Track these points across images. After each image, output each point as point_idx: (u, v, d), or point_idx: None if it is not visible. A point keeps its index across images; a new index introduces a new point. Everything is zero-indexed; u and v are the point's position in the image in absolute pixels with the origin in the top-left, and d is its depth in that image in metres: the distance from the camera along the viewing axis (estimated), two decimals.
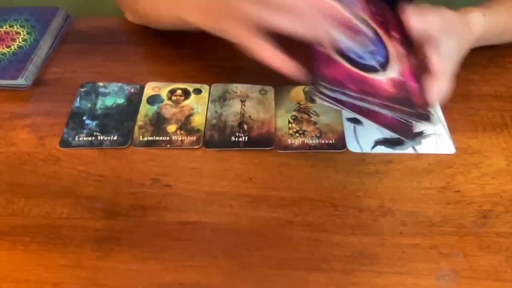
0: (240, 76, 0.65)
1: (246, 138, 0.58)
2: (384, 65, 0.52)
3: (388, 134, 0.58)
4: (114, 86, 0.64)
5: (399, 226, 0.50)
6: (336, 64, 0.49)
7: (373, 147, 0.57)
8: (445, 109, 0.61)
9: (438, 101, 0.52)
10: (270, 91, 0.64)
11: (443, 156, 0.57)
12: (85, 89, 0.64)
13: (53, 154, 0.57)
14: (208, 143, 0.58)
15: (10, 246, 0.49)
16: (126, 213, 0.52)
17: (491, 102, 0.62)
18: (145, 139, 0.58)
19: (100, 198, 0.53)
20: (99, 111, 0.61)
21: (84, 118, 0.60)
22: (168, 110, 0.61)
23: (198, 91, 0.64)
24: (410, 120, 0.50)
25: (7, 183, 0.54)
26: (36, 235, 0.50)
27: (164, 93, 0.63)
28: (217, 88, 0.64)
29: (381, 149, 0.57)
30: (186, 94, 0.63)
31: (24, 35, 0.70)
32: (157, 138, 0.58)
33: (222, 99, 0.63)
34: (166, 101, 0.62)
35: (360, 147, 0.57)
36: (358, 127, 0.59)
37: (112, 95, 0.63)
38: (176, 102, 0.62)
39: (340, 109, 0.49)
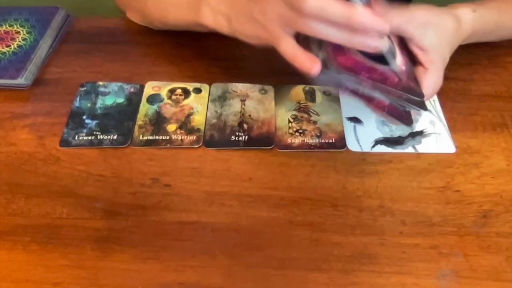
0: (240, 76, 0.65)
1: (246, 137, 0.58)
2: (390, 54, 0.52)
3: (388, 133, 0.58)
4: (114, 86, 0.64)
5: (399, 226, 0.50)
6: (346, 52, 0.49)
7: (373, 146, 0.57)
8: (445, 109, 0.61)
9: (432, 92, 0.52)
10: (270, 90, 0.64)
11: (443, 155, 0.57)
12: (85, 88, 0.64)
13: (53, 154, 0.57)
14: (208, 143, 0.58)
15: (10, 246, 0.49)
16: (126, 213, 0.52)
17: (491, 102, 0.62)
18: (145, 138, 0.58)
19: (100, 198, 0.53)
20: (99, 111, 0.61)
21: (84, 117, 0.61)
22: (168, 109, 0.61)
23: (198, 91, 0.64)
24: (410, 107, 0.50)
25: (7, 183, 0.54)
26: (36, 235, 0.50)
27: (164, 93, 0.63)
28: (217, 88, 0.64)
29: (381, 149, 0.57)
30: (186, 93, 0.63)
31: (24, 35, 0.70)
32: (157, 137, 0.58)
33: (222, 98, 0.63)
34: (166, 101, 0.62)
35: (360, 146, 0.57)
36: (358, 127, 0.59)
37: (112, 95, 0.63)
38: (176, 102, 0.62)
39: (340, 91, 0.48)
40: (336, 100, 0.62)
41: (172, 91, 0.64)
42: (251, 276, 0.47)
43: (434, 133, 0.58)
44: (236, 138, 0.58)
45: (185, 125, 0.59)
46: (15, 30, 0.70)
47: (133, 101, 0.63)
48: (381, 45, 0.46)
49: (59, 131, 0.59)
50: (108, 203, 0.52)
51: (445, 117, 0.60)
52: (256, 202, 0.52)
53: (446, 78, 0.55)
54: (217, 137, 0.58)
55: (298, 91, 0.64)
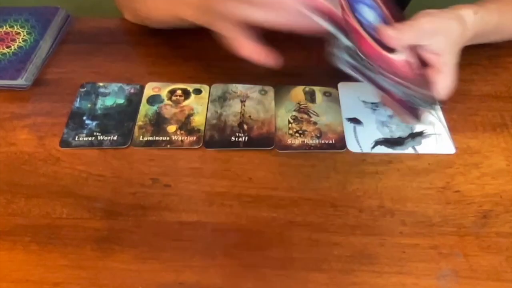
0: (240, 76, 0.65)
1: (246, 138, 0.58)
2: None
3: (387, 133, 0.58)
4: (114, 86, 0.65)
5: (399, 226, 0.50)
6: (365, 40, 0.49)
7: (373, 147, 0.57)
8: (445, 109, 0.61)
9: (445, 94, 0.52)
10: (270, 91, 0.64)
11: (443, 156, 0.57)
12: (85, 89, 0.64)
13: (53, 154, 0.57)
14: (208, 143, 0.58)
15: (10, 246, 0.49)
16: (126, 213, 0.52)
17: (491, 102, 0.62)
18: (145, 139, 0.58)
19: (100, 198, 0.53)
20: (99, 111, 0.61)
21: (84, 118, 0.61)
22: (168, 110, 0.61)
23: (198, 91, 0.64)
24: (420, 103, 0.50)
25: (7, 183, 0.54)
26: (36, 235, 0.50)
27: (164, 93, 0.63)
28: (217, 88, 0.64)
29: (381, 149, 0.57)
30: (186, 94, 0.63)
31: (24, 35, 0.70)
32: (157, 138, 0.58)
33: (222, 99, 0.63)
34: (166, 101, 0.62)
35: (360, 147, 0.57)
36: (358, 127, 0.59)
37: (112, 95, 0.63)
38: (176, 102, 0.62)
39: (358, 78, 0.48)
40: (336, 101, 0.62)
41: (172, 92, 0.64)
42: (251, 276, 0.47)
43: (434, 133, 0.58)
44: (236, 139, 0.58)
45: (185, 126, 0.59)
46: (16, 31, 0.70)
47: (133, 101, 0.63)
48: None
49: (59, 132, 0.59)
50: (108, 203, 0.52)
51: (445, 118, 0.60)
52: (256, 202, 0.52)
53: None
54: (217, 138, 0.58)
55: (298, 91, 0.64)
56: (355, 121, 0.60)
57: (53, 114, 0.61)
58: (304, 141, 0.58)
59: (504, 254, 0.48)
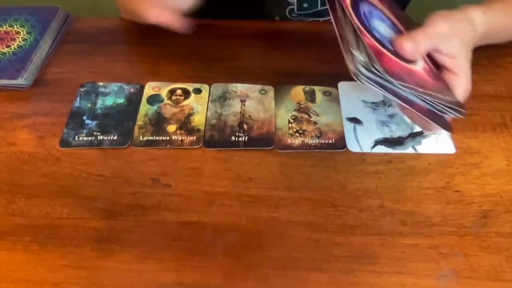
0: (240, 76, 0.65)
1: (246, 138, 0.58)
2: None
3: (388, 133, 0.58)
4: (114, 86, 0.64)
5: (399, 226, 0.50)
6: (386, 56, 0.49)
7: (373, 147, 0.57)
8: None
9: (465, 96, 0.52)
10: (270, 91, 0.64)
11: (443, 156, 0.57)
12: (85, 89, 0.64)
13: (53, 154, 0.57)
14: (208, 143, 0.58)
15: (10, 246, 0.49)
16: (126, 213, 0.52)
17: (491, 102, 0.62)
18: (145, 139, 0.58)
19: (100, 198, 0.53)
20: (99, 111, 0.61)
21: (84, 118, 0.60)
22: (168, 110, 0.61)
23: (198, 91, 0.64)
24: (447, 110, 0.50)
25: (7, 183, 0.54)
26: (36, 235, 0.50)
27: (164, 93, 0.63)
28: (217, 88, 0.64)
29: (381, 149, 0.57)
30: (186, 94, 0.63)
31: (24, 35, 0.70)
32: (157, 138, 0.58)
33: (222, 99, 0.63)
34: (166, 101, 0.62)
35: (360, 147, 0.57)
36: (358, 127, 0.59)
37: (112, 95, 0.63)
38: (176, 102, 0.62)
39: (380, 92, 0.48)
40: (336, 100, 0.62)
41: (172, 92, 0.64)
42: (251, 276, 0.47)
43: (434, 133, 0.58)
44: (236, 139, 0.58)
45: (185, 126, 0.59)
46: (15, 31, 0.70)
47: (133, 101, 0.63)
48: None
49: (59, 131, 0.59)
50: (108, 203, 0.52)
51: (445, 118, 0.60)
52: (256, 202, 0.52)
53: None
54: (217, 138, 0.58)
55: (298, 91, 0.64)
56: (355, 120, 0.60)
57: (53, 114, 0.61)
58: (304, 141, 0.58)
59: (504, 254, 0.48)
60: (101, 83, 0.65)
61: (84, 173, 0.55)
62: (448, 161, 0.56)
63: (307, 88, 0.64)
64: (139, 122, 0.60)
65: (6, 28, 0.71)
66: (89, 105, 0.62)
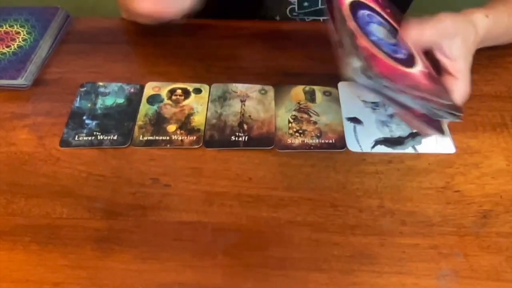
0: (240, 76, 0.65)
1: (246, 138, 0.58)
2: (410, 58, 0.51)
3: (388, 133, 0.58)
4: (114, 86, 0.64)
5: (399, 226, 0.50)
6: (380, 59, 0.49)
7: (373, 146, 0.57)
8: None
9: (462, 101, 0.52)
10: (270, 91, 0.64)
11: (443, 156, 0.57)
12: (85, 89, 0.64)
13: (53, 154, 0.57)
14: (208, 143, 0.58)
15: (10, 246, 0.49)
16: (126, 213, 0.52)
17: (491, 102, 0.62)
18: (145, 138, 0.58)
19: (100, 198, 0.53)
20: (99, 111, 0.61)
21: (84, 118, 0.61)
22: (168, 109, 0.61)
23: (198, 91, 0.64)
24: (443, 114, 0.50)
25: (7, 183, 0.54)
26: (36, 235, 0.50)
27: (164, 93, 0.63)
28: (217, 88, 0.64)
29: (381, 149, 0.57)
30: (186, 93, 0.63)
31: (24, 35, 0.70)
32: (157, 137, 0.58)
33: (222, 99, 0.63)
34: (166, 101, 0.62)
35: (360, 147, 0.57)
36: (358, 127, 0.59)
37: (112, 95, 0.63)
38: (176, 102, 0.62)
39: (378, 99, 0.48)
40: (336, 100, 0.62)
41: (172, 92, 0.64)
42: (251, 276, 0.47)
43: (431, 136, 0.58)
44: (236, 139, 0.58)
45: (185, 126, 0.59)
46: (15, 31, 0.70)
47: (133, 101, 0.63)
48: None
49: (59, 131, 0.59)
50: (108, 203, 0.52)
51: None
52: (256, 202, 0.52)
53: None
54: (217, 137, 0.58)
55: (298, 91, 0.64)
56: (355, 120, 0.60)
57: (53, 114, 0.61)
58: (304, 141, 0.58)
59: (504, 254, 0.48)
60: (101, 83, 0.65)
61: (84, 173, 0.55)
62: (448, 161, 0.56)
63: (307, 88, 0.64)
64: (139, 122, 0.60)
65: (6, 28, 0.71)
66: (89, 105, 0.62)
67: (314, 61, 0.68)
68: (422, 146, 0.57)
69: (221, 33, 0.72)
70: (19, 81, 0.64)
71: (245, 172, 0.55)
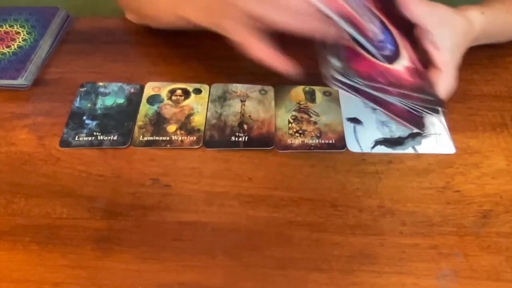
0: (240, 76, 0.65)
1: (246, 138, 0.58)
2: (396, 53, 0.52)
3: (387, 133, 0.58)
4: (114, 86, 0.64)
5: (399, 226, 0.50)
6: (361, 57, 0.49)
7: (373, 147, 0.57)
8: (445, 109, 0.61)
9: (446, 93, 0.52)
10: (270, 91, 0.64)
11: (443, 156, 0.57)
12: (85, 89, 0.64)
13: (53, 154, 0.57)
14: (208, 143, 0.58)
15: (10, 246, 0.49)
16: (126, 213, 0.52)
17: (491, 102, 0.62)
18: (145, 139, 0.58)
19: (100, 198, 0.53)
20: (99, 111, 0.61)
21: (84, 118, 0.61)
22: (168, 110, 0.61)
23: (198, 91, 0.64)
24: (424, 110, 0.50)
25: (7, 183, 0.54)
26: (36, 235, 0.50)
27: (164, 93, 0.63)
28: (217, 88, 0.64)
29: (381, 149, 0.57)
30: (186, 94, 0.63)
31: (24, 35, 0.70)
32: (157, 138, 0.58)
33: (222, 99, 0.63)
34: (166, 101, 0.62)
35: (360, 147, 0.57)
36: (358, 127, 0.59)
37: (112, 95, 0.63)
38: (176, 102, 0.62)
39: (355, 97, 0.48)
40: (336, 100, 0.62)
41: (172, 92, 0.64)
42: (251, 276, 0.47)
43: (434, 133, 0.58)
44: (236, 139, 0.58)
45: (185, 126, 0.59)
46: (15, 31, 0.70)
47: (133, 101, 0.63)
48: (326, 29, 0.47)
49: (59, 131, 0.59)
50: (108, 203, 0.52)
51: (445, 117, 0.60)
52: (256, 202, 0.52)
53: None
54: (217, 138, 0.58)
55: (298, 91, 0.64)
56: (355, 121, 0.60)
57: (53, 114, 0.61)
58: (304, 141, 0.58)
59: (504, 254, 0.48)
60: (101, 83, 0.65)
61: (84, 173, 0.55)
62: (448, 161, 0.56)
63: (307, 88, 0.64)
64: (139, 122, 0.60)
65: (6, 28, 0.71)
66: (89, 105, 0.62)
67: (314, 61, 0.67)
68: (422, 146, 0.57)
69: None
70: (19, 81, 0.64)
71: (245, 172, 0.55)
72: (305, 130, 0.59)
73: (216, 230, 0.50)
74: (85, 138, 0.58)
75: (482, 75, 0.66)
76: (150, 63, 0.69)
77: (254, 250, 0.49)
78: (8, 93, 0.64)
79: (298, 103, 0.62)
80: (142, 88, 0.64)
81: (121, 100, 0.63)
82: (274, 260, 0.48)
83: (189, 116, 0.61)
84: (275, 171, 0.55)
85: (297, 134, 0.58)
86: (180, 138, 0.58)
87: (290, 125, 0.59)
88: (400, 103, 0.49)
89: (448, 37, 0.53)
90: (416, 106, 0.49)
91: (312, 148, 0.57)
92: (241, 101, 0.62)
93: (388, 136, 0.58)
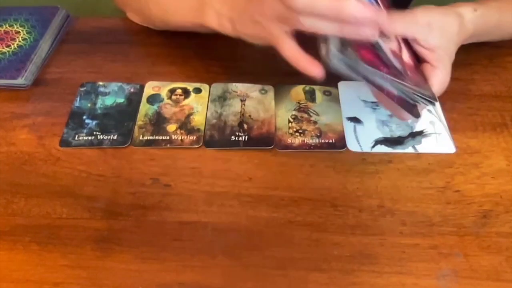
0: (240, 76, 0.65)
1: (246, 137, 0.58)
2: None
3: (388, 133, 0.58)
4: (114, 86, 0.64)
5: (399, 226, 0.50)
6: (365, 46, 0.49)
7: (373, 146, 0.57)
8: (445, 109, 0.61)
9: (441, 89, 0.52)
10: (270, 90, 0.64)
11: (443, 155, 0.57)
12: (85, 88, 0.64)
13: (53, 154, 0.57)
14: (208, 143, 0.58)
15: (10, 246, 0.49)
16: (126, 213, 0.52)
17: (491, 102, 0.62)
18: (145, 138, 0.58)
19: (100, 198, 0.53)
20: (99, 111, 0.61)
21: (84, 117, 0.61)
22: (168, 109, 0.61)
23: (198, 91, 0.64)
24: (418, 97, 0.50)
25: (7, 183, 0.54)
26: (36, 235, 0.50)
27: (164, 93, 0.63)
28: (217, 88, 0.64)
29: (381, 149, 0.57)
30: (186, 93, 0.63)
31: (24, 35, 0.70)
32: (157, 137, 0.58)
33: (222, 98, 0.63)
34: (166, 101, 0.62)
35: (360, 146, 0.57)
36: (358, 127, 0.59)
37: (112, 95, 0.63)
38: (176, 102, 0.62)
39: (352, 77, 0.48)
40: (336, 100, 0.62)
41: (172, 91, 0.64)
42: (251, 276, 0.47)
43: (434, 133, 0.58)
44: (236, 138, 0.58)
45: (185, 125, 0.59)
46: (15, 30, 0.70)
47: (133, 101, 0.63)
48: (371, 33, 0.46)
49: (59, 131, 0.59)
50: (108, 203, 0.52)
51: (445, 117, 0.60)
52: (256, 202, 0.52)
53: None
54: (217, 137, 0.58)
55: (298, 91, 0.64)
56: (355, 120, 0.60)
57: (53, 114, 0.61)
58: (304, 141, 0.58)
59: (504, 254, 0.48)
60: (101, 83, 0.65)
61: (84, 173, 0.55)
62: (448, 161, 0.56)
63: (307, 87, 0.64)
64: (139, 121, 0.60)
65: (6, 28, 0.71)
66: (89, 105, 0.62)
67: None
68: (422, 146, 0.57)
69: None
70: (19, 81, 0.64)
71: (245, 172, 0.55)
72: (305, 130, 0.59)
73: (216, 230, 0.50)
74: (85, 138, 0.58)
75: (482, 75, 0.66)
76: (150, 63, 0.69)
77: (254, 250, 0.49)
78: (8, 93, 0.64)
79: (298, 102, 0.62)
80: (142, 88, 0.64)
81: (121, 100, 0.63)
82: (274, 260, 0.48)
83: (189, 115, 0.61)
84: (275, 171, 0.55)
85: (297, 134, 0.58)
86: (180, 138, 0.58)
87: (290, 124, 0.59)
88: (399, 90, 0.49)
89: (438, 37, 0.54)
90: (411, 93, 0.49)
91: (312, 147, 0.57)
92: (241, 100, 0.62)
93: (388, 136, 0.58)
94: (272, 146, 0.57)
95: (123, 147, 0.57)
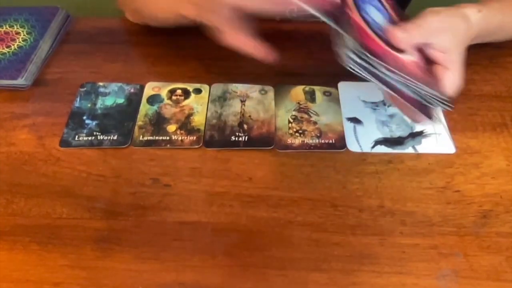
0: (240, 76, 0.65)
1: (246, 138, 0.58)
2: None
3: (387, 133, 0.58)
4: (114, 86, 0.64)
5: (399, 226, 0.50)
6: (372, 39, 0.49)
7: (373, 146, 0.57)
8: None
9: (454, 91, 0.52)
10: (270, 91, 0.64)
11: (443, 156, 0.57)
12: (85, 89, 0.64)
13: (53, 154, 0.57)
14: (208, 143, 0.58)
15: (10, 246, 0.49)
16: (126, 213, 0.52)
17: (491, 102, 0.62)
18: (145, 139, 0.58)
19: (100, 198, 0.53)
20: (99, 111, 0.61)
21: (84, 118, 0.61)
22: (168, 110, 0.61)
23: (198, 91, 0.64)
24: (434, 100, 0.49)
25: (7, 183, 0.54)
26: (36, 235, 0.50)
27: (164, 93, 0.63)
28: (217, 88, 0.64)
29: (381, 149, 0.57)
30: (186, 94, 0.63)
31: (24, 35, 0.70)
32: (157, 138, 0.58)
33: (222, 99, 0.63)
34: (166, 101, 0.62)
35: (360, 147, 0.57)
36: (358, 127, 0.59)
37: (112, 95, 0.63)
38: (176, 102, 0.62)
39: (367, 79, 0.47)
40: (336, 100, 0.62)
41: (172, 92, 0.64)
42: (251, 276, 0.47)
43: (434, 133, 0.58)
44: (236, 139, 0.58)
45: (185, 126, 0.59)
46: (15, 31, 0.70)
47: (133, 101, 0.63)
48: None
49: (59, 131, 0.59)
50: (108, 203, 0.52)
51: (445, 117, 0.60)
52: (256, 202, 0.52)
53: None
54: (217, 138, 0.58)
55: (298, 91, 0.64)
56: (355, 120, 0.60)
57: (53, 114, 0.61)
58: (304, 141, 0.58)
59: (504, 254, 0.48)
60: (101, 83, 0.65)
61: (84, 173, 0.55)
62: (448, 161, 0.56)
63: (307, 88, 0.64)
64: (139, 122, 0.60)
65: (6, 28, 0.71)
66: (89, 105, 0.62)
67: (314, 61, 0.68)
68: (422, 146, 0.57)
69: None
70: (19, 81, 0.64)
71: (245, 172, 0.55)
72: (305, 130, 0.59)
73: (216, 230, 0.50)
74: (85, 138, 0.58)
75: (482, 75, 0.66)
76: (150, 63, 0.69)
77: (254, 250, 0.49)
78: (8, 93, 0.64)
79: (298, 103, 0.62)
80: (142, 88, 0.64)
81: (121, 100, 0.63)
82: (274, 260, 0.48)
83: (189, 116, 0.61)
84: (275, 171, 0.55)
85: (297, 134, 0.58)
86: (180, 138, 0.58)
87: (290, 125, 0.60)
88: (413, 91, 0.48)
89: (449, 40, 0.53)
90: (428, 96, 0.49)
91: (312, 148, 0.57)
92: (241, 101, 0.62)
93: (388, 136, 0.58)
94: (272, 146, 0.57)
95: (123, 147, 0.57)
